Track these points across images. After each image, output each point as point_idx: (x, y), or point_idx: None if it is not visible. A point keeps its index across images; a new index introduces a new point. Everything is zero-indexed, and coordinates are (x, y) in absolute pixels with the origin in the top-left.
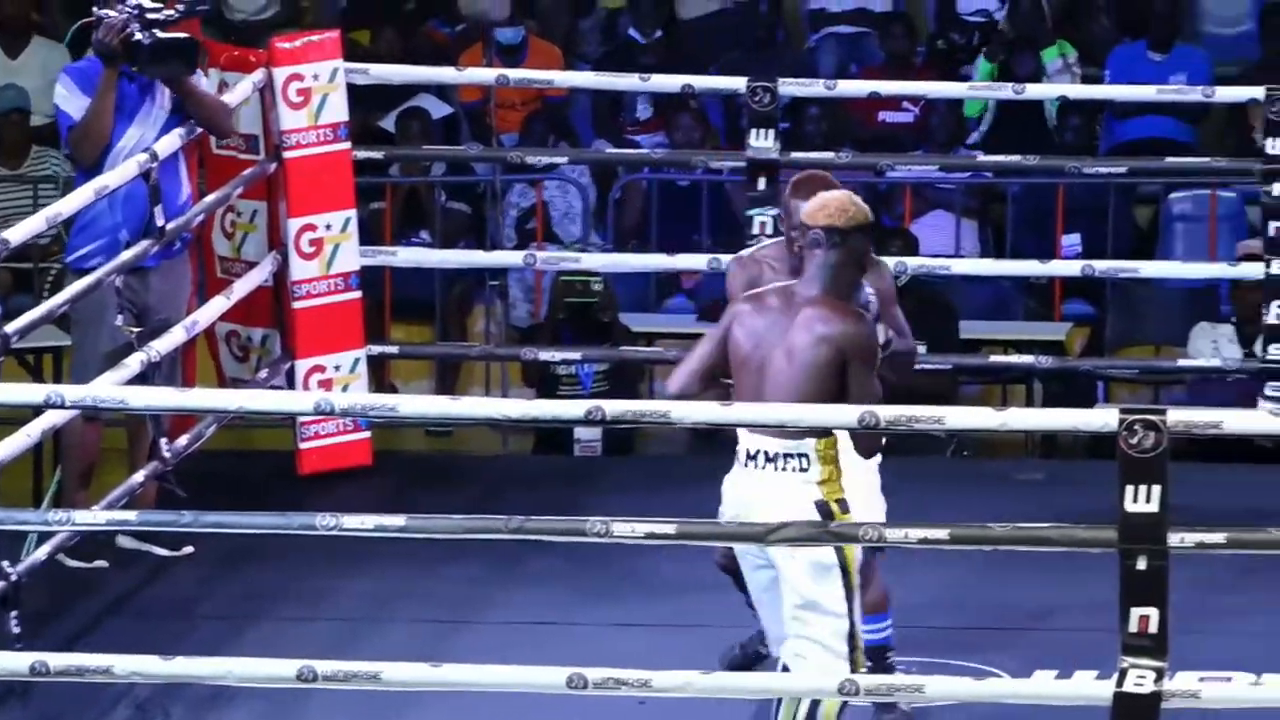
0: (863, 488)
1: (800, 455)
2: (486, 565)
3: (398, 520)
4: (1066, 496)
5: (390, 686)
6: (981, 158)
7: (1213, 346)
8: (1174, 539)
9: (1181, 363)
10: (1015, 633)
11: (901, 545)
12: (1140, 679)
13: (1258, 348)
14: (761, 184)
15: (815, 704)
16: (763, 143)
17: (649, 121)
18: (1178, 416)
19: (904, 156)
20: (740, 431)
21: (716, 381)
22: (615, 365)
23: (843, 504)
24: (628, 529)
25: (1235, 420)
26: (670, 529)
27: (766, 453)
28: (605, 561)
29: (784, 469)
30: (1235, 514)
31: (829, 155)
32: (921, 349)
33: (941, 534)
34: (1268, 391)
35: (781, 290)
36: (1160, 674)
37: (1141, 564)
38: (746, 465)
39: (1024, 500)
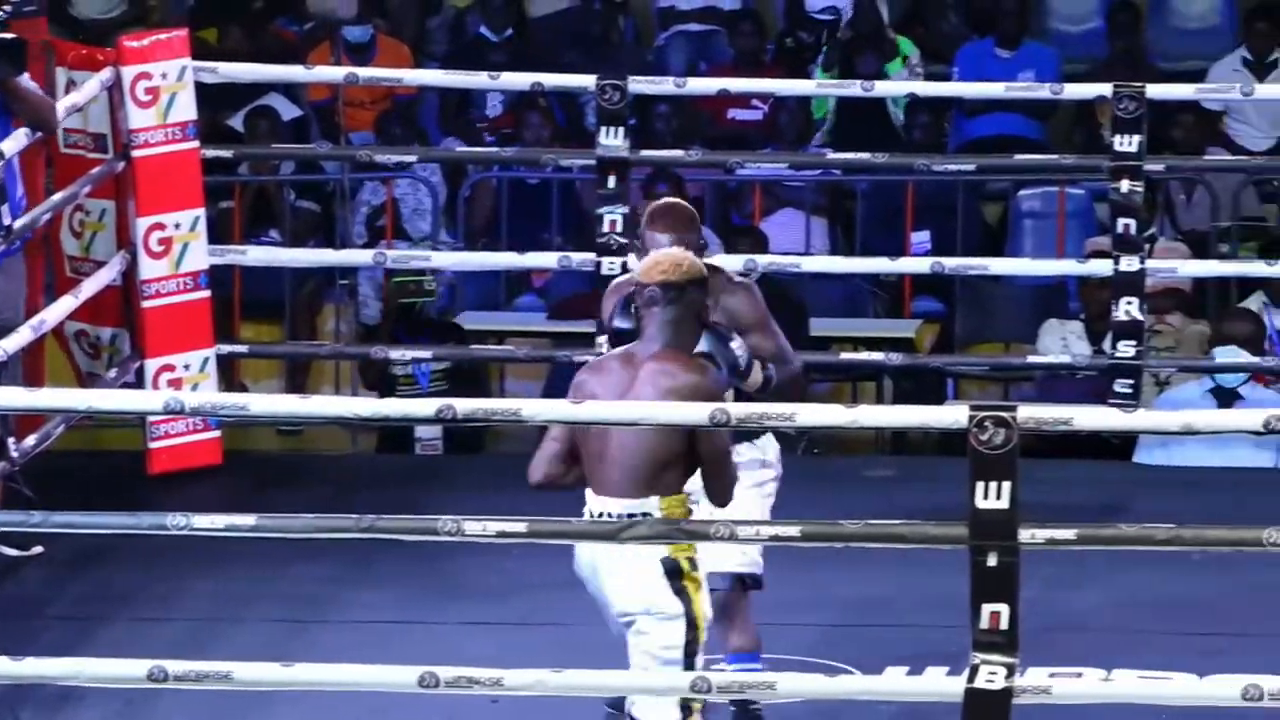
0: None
1: (644, 515)
2: (337, 565)
3: (248, 520)
4: (917, 493)
5: (242, 686)
6: (831, 155)
7: (1062, 343)
8: (1024, 535)
9: (1031, 359)
10: (867, 630)
11: (752, 543)
12: (991, 675)
13: (1106, 344)
14: (611, 182)
15: None
16: (612, 140)
17: (499, 119)
18: (1028, 413)
19: (753, 154)
20: (587, 493)
21: (577, 461)
22: (453, 365)
23: (692, 562)
24: (479, 527)
25: (1085, 417)
26: (521, 527)
27: (610, 514)
28: (457, 561)
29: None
30: (1085, 510)
31: (678, 153)
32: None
33: (793, 531)
34: (1116, 388)
35: (620, 355)
36: (1011, 670)
37: (992, 560)
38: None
39: (875, 497)
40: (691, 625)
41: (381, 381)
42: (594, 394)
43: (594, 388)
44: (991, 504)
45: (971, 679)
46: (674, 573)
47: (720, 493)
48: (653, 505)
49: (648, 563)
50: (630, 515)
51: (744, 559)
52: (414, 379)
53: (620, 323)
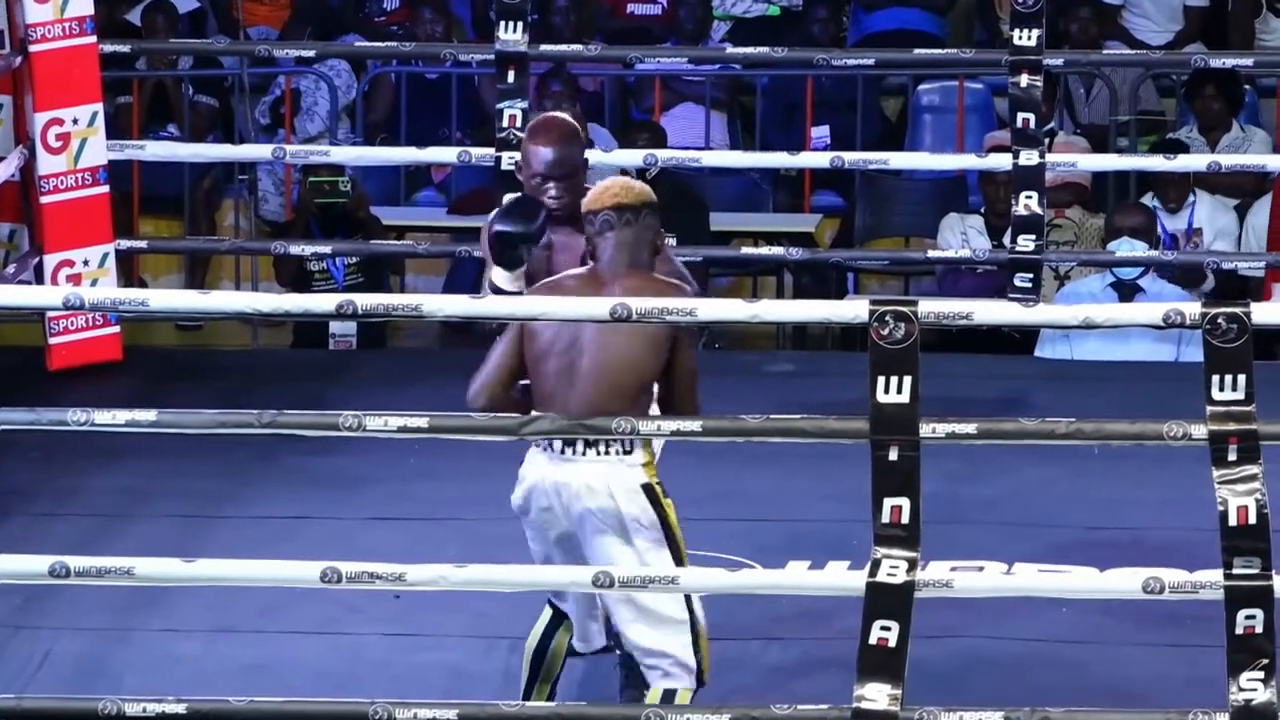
0: None
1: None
2: (239, 460)
3: (149, 415)
4: (817, 388)
5: (143, 581)
6: (730, 50)
7: (962, 238)
8: (925, 429)
9: (931, 254)
10: (767, 525)
11: (656, 437)
12: (893, 569)
13: (1006, 239)
14: (511, 77)
15: (670, 692)
16: (511, 35)
17: (396, 12)
18: (928, 307)
19: (653, 49)
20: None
21: (516, 386)
22: (367, 260)
23: (662, 487)
24: (380, 422)
25: (985, 311)
26: (423, 422)
27: (586, 439)
28: (359, 456)
29: (605, 453)
30: (986, 405)
31: (578, 48)
32: (671, 241)
33: (694, 426)
34: (1016, 282)
35: (579, 276)
36: (913, 564)
37: (893, 455)
38: (563, 452)
39: (775, 392)
40: (675, 550)
41: (297, 279)
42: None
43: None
44: (892, 399)
45: (873, 573)
46: (653, 499)
47: (694, 407)
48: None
49: (630, 488)
50: (609, 440)
51: None
52: (330, 275)
53: (504, 225)
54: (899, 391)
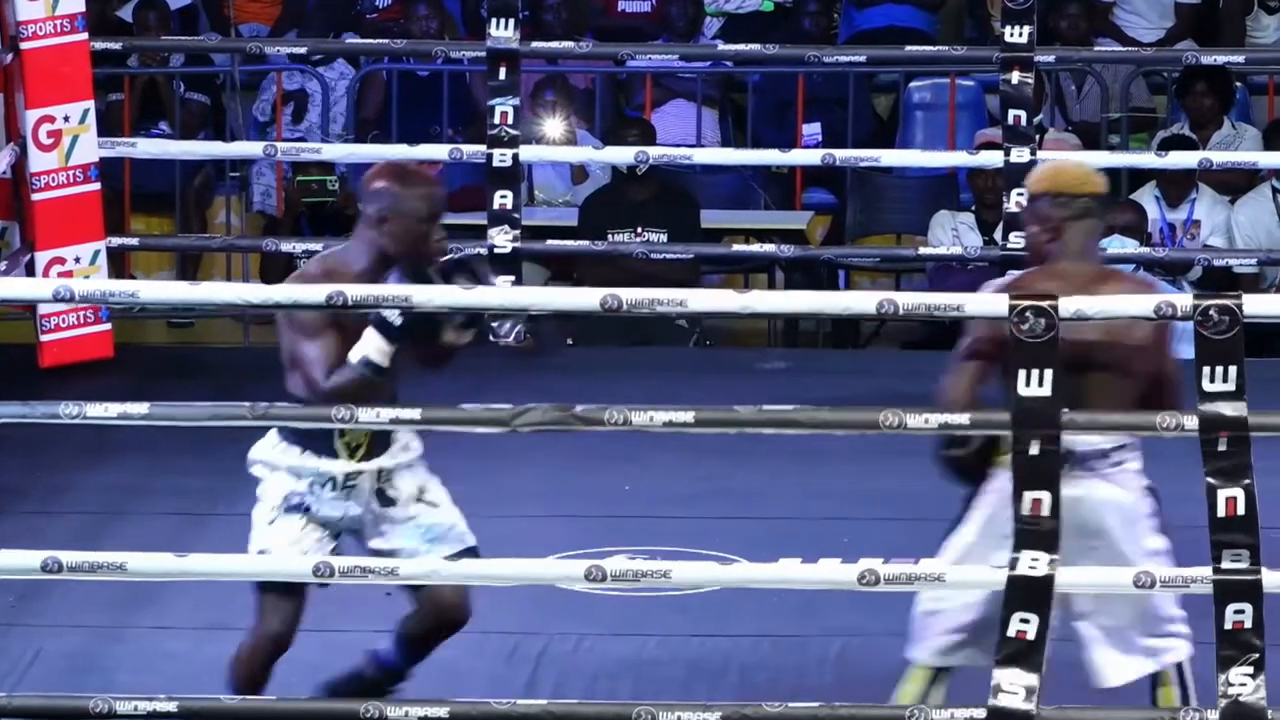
0: None
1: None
2: (230, 456)
3: (141, 408)
4: (810, 385)
5: (136, 577)
6: (722, 46)
7: (953, 234)
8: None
9: (922, 251)
10: (757, 522)
11: (648, 429)
12: (1034, 562)
13: (997, 235)
14: (502, 74)
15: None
16: (503, 32)
17: (389, 9)
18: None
19: (644, 46)
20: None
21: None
22: None
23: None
24: (373, 414)
25: (974, 304)
26: (415, 414)
27: (1101, 450)
28: None
29: (1118, 464)
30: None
31: (569, 45)
32: (662, 236)
33: (687, 417)
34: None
35: (1043, 273)
36: (1054, 558)
37: (1034, 449)
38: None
39: (769, 389)
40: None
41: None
42: None
43: None
44: (1034, 392)
45: (1014, 566)
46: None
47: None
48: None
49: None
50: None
51: None
52: None
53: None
54: (1040, 385)
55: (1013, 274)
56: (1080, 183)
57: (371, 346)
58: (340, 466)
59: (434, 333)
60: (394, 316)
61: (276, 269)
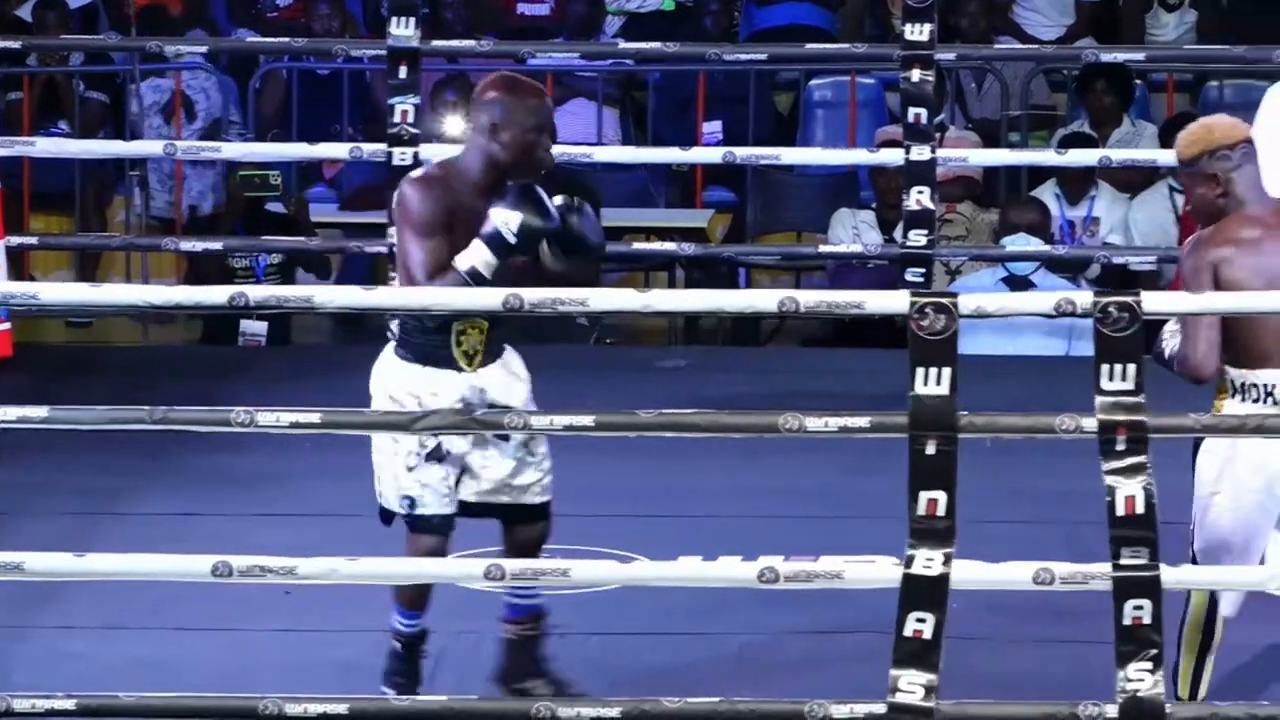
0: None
1: None
2: (131, 457)
3: (40, 411)
4: (709, 383)
5: (33, 577)
6: (623, 45)
7: (853, 232)
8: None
9: (822, 249)
10: (660, 520)
11: (547, 433)
12: (929, 561)
13: (898, 233)
14: (403, 72)
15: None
16: (403, 30)
17: (290, 8)
18: (816, 297)
19: (545, 44)
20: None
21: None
22: (287, 259)
23: None
24: (272, 418)
25: (875, 301)
26: (315, 418)
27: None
28: (252, 452)
29: None
30: (877, 399)
31: (470, 43)
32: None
33: (587, 420)
34: (908, 277)
35: (1235, 222)
36: (949, 557)
37: (930, 448)
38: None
39: (668, 387)
40: None
41: (220, 277)
42: (1260, 269)
43: (1254, 262)
44: (932, 390)
45: (909, 565)
46: None
47: None
48: None
49: None
50: None
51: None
52: (252, 272)
53: (532, 220)
54: (938, 384)
55: (1200, 233)
56: (1233, 133)
57: (479, 258)
58: (461, 379)
59: (537, 255)
60: (508, 233)
61: (214, 271)
